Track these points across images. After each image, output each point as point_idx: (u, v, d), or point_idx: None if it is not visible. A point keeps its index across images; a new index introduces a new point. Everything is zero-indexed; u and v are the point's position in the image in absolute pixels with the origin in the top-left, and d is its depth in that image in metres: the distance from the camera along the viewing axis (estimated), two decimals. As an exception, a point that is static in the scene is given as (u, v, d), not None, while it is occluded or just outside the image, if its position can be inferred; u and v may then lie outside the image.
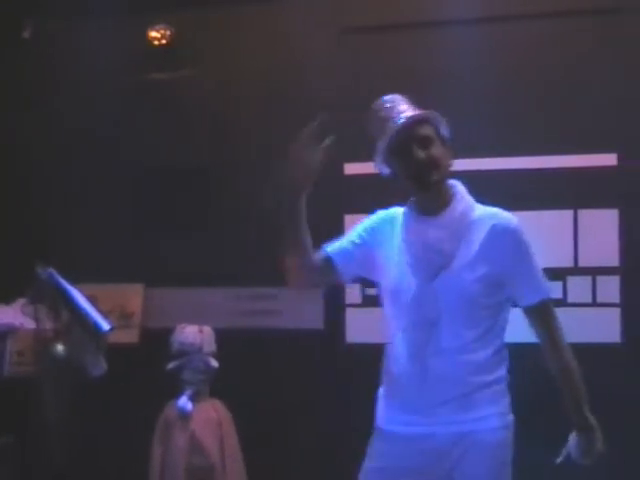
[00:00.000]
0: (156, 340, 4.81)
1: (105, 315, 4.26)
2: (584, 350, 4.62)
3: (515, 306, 3.06)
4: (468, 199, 3.02)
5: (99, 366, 4.19)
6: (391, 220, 3.08)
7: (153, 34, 5.11)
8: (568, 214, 4.82)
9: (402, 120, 2.93)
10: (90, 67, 5.22)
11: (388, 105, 3.02)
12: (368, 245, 3.05)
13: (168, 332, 4.71)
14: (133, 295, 5.30)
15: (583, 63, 4.81)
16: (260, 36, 5.21)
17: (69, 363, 4.17)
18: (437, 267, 2.88)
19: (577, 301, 4.78)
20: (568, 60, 4.83)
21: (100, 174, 5.28)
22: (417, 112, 2.99)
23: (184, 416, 4.54)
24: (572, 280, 4.79)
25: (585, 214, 4.80)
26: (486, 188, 4.77)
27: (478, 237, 2.92)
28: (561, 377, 3.08)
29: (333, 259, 3.04)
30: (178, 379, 4.62)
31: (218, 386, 4.71)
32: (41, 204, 5.36)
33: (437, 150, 2.94)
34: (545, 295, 3.04)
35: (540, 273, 3.03)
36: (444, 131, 3.02)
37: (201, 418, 4.56)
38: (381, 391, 3.07)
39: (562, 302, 4.78)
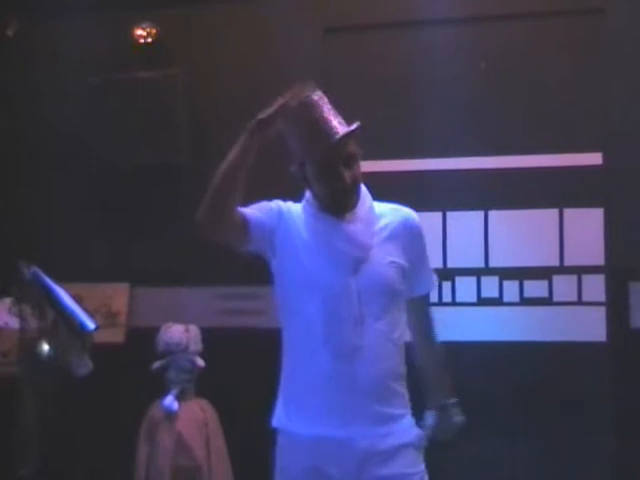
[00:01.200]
0: (142, 339, 4.80)
1: (91, 314, 4.23)
2: (569, 349, 4.71)
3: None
4: (369, 197, 3.04)
5: (84, 366, 4.16)
6: (291, 213, 3.05)
7: (138, 32, 5.09)
8: (553, 213, 4.84)
9: (336, 138, 2.86)
10: (75, 65, 5.20)
11: (316, 106, 2.95)
12: (274, 225, 3.00)
13: (154, 331, 4.69)
14: (119, 294, 5.29)
15: (569, 63, 4.82)
16: (245, 34, 5.20)
17: (54, 363, 4.14)
18: (358, 260, 2.90)
19: (563, 300, 4.80)
20: (554, 59, 4.84)
21: (85, 172, 5.26)
22: (347, 128, 2.91)
23: (170, 416, 4.53)
24: (557, 279, 4.81)
25: (571, 213, 4.81)
26: (473, 187, 4.86)
27: (386, 228, 2.98)
28: (433, 363, 3.14)
29: (249, 221, 2.98)
30: (164, 378, 4.60)
31: (204, 386, 4.70)
32: (25, 203, 5.34)
33: (358, 167, 2.95)
34: (433, 286, 3.21)
35: (431, 267, 3.18)
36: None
37: (187, 418, 4.55)
38: (287, 398, 3.02)
39: (548, 301, 4.81)
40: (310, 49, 5.05)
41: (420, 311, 3.15)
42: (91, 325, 4.08)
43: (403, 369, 2.97)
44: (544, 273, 4.81)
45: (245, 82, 5.16)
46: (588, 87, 4.80)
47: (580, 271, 4.78)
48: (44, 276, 4.04)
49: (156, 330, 4.69)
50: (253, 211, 3.02)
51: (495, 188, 4.90)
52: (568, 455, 4.66)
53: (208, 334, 4.73)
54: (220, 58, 5.21)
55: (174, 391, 4.57)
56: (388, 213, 3.03)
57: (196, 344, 4.65)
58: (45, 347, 4.13)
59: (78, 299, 4.32)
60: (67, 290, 4.14)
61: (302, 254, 2.95)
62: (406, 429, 2.94)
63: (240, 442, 4.70)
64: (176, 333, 4.62)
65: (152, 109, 5.03)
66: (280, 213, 3.04)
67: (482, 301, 4.88)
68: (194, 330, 4.67)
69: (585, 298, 4.77)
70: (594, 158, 4.78)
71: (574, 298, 4.78)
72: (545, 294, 4.82)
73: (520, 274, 4.83)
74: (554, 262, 4.82)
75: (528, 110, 4.88)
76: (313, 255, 2.93)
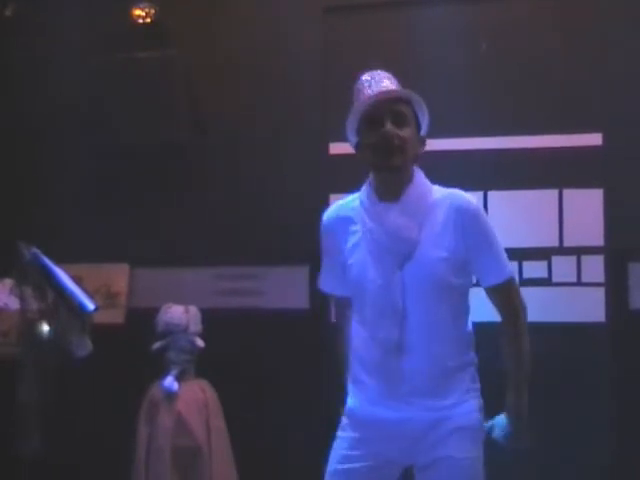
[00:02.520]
0: (142, 320, 4.80)
1: (90, 295, 4.24)
2: (569, 329, 4.71)
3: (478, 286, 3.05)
4: (425, 182, 2.99)
5: (84, 346, 4.17)
6: (334, 219, 3.07)
7: (137, 12, 5.07)
8: (553, 194, 4.83)
9: (382, 90, 2.91)
10: (73, 45, 5.17)
11: (372, 77, 2.99)
12: (341, 257, 3.04)
13: (154, 312, 4.70)
14: (118, 275, 5.29)
15: (569, 43, 4.81)
16: (245, 14, 5.19)
17: (54, 343, 4.15)
18: (402, 255, 2.86)
19: (562, 280, 4.80)
20: (554, 40, 4.82)
21: (84, 152, 5.24)
22: (399, 88, 2.98)
23: (170, 396, 4.54)
24: (557, 259, 4.81)
25: (570, 194, 4.81)
26: (471, 167, 4.86)
27: (438, 219, 2.89)
28: (513, 358, 2.98)
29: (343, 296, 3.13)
30: (164, 359, 4.61)
31: (204, 366, 4.71)
32: (25, 184, 5.33)
33: (408, 133, 2.90)
34: (508, 275, 2.98)
35: (502, 253, 2.98)
36: (423, 119, 2.99)
37: (187, 398, 4.56)
38: (352, 378, 3.05)
39: (547, 281, 4.81)
40: (309, 29, 5.04)
41: (498, 301, 3.01)
42: (91, 306, 4.08)
43: (464, 359, 2.94)
44: (543, 254, 4.81)
45: (244, 62, 5.16)
46: (588, 67, 4.78)
47: (579, 252, 4.78)
48: (44, 257, 4.05)
49: (156, 311, 4.70)
50: (334, 276, 3.13)
51: (494, 169, 4.89)
52: (567, 435, 4.67)
53: (208, 315, 4.74)
54: (219, 38, 5.20)
55: (174, 372, 4.57)
56: (445, 200, 2.93)
57: (196, 325, 4.65)
58: (45, 328, 4.14)
59: (78, 280, 4.33)
60: (67, 271, 4.14)
61: (354, 249, 2.97)
62: (464, 413, 2.90)
63: (240, 422, 4.72)
64: (176, 314, 4.63)
65: (151, 89, 5.00)
66: (332, 240, 3.08)
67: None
68: (194, 311, 4.67)
69: (584, 279, 4.77)
70: (594, 138, 4.77)
71: (573, 279, 4.79)
72: (544, 275, 4.81)
73: (519, 255, 4.82)
74: (553, 243, 4.82)
75: (527, 90, 4.87)
76: (361, 249, 2.94)
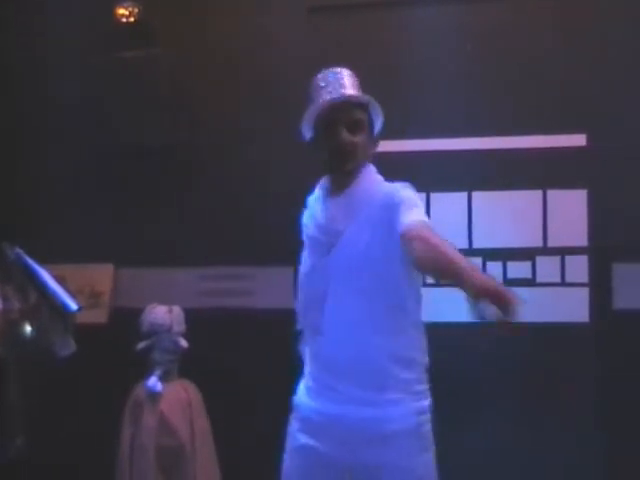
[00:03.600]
0: (126, 320, 4.79)
1: (74, 295, 4.23)
2: (553, 329, 4.72)
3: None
4: (371, 178, 3.03)
5: (67, 346, 4.16)
6: (308, 206, 3.19)
7: (121, 11, 5.05)
8: (537, 194, 4.84)
9: (343, 95, 2.98)
10: (57, 44, 5.15)
11: (334, 76, 3.05)
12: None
13: (138, 312, 4.68)
14: (102, 275, 5.27)
15: (553, 44, 4.82)
16: (229, 14, 5.18)
17: (37, 343, 4.14)
18: (328, 245, 2.95)
19: (546, 281, 4.81)
20: (539, 41, 4.83)
21: (68, 153, 5.23)
22: (359, 94, 3.03)
23: (153, 396, 4.53)
24: (541, 260, 4.81)
25: (554, 194, 4.82)
26: (457, 168, 4.86)
27: (370, 211, 2.93)
28: (444, 262, 2.63)
29: None
30: (147, 359, 4.60)
31: (188, 366, 4.70)
32: (8, 183, 5.30)
33: (361, 138, 2.98)
34: (418, 218, 2.78)
35: (415, 211, 2.81)
36: (377, 121, 3.06)
37: (171, 398, 4.55)
38: (304, 371, 3.12)
39: (531, 282, 4.81)
40: (294, 29, 5.03)
41: (412, 242, 2.72)
42: (74, 306, 4.08)
43: (405, 356, 2.92)
44: (527, 254, 4.82)
45: (228, 61, 5.15)
46: (572, 68, 4.79)
47: (563, 252, 4.79)
48: (27, 257, 4.04)
49: (140, 311, 4.68)
50: None
51: (479, 169, 4.89)
52: (551, 436, 4.68)
53: (193, 315, 4.73)
54: (203, 37, 5.19)
55: (158, 372, 4.56)
56: (380, 192, 2.95)
57: (180, 325, 4.65)
58: (28, 328, 4.12)
59: (62, 280, 4.32)
60: (50, 271, 4.13)
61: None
62: (403, 415, 2.88)
63: (224, 422, 4.71)
64: (160, 314, 4.62)
65: (135, 89, 4.99)
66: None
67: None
68: (177, 311, 4.66)
69: (568, 279, 4.78)
70: (578, 139, 4.78)
71: (557, 279, 4.80)
72: (528, 275, 4.82)
73: (503, 255, 4.83)
74: (537, 243, 4.83)
75: (512, 91, 4.87)
76: (306, 240, 3.10)
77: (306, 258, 3.07)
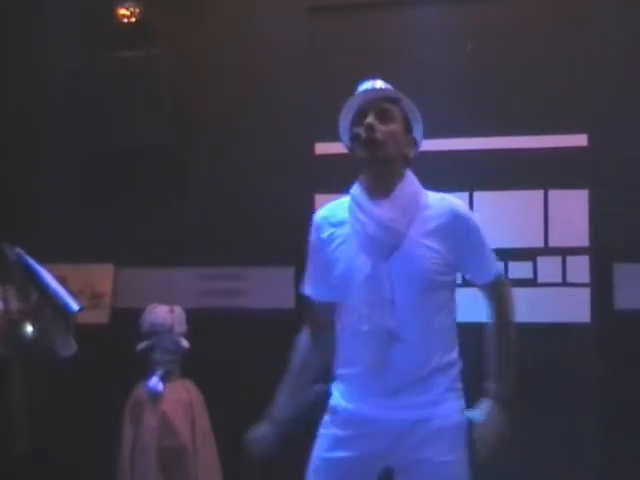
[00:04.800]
0: (126, 320, 4.79)
1: (75, 295, 4.23)
2: (554, 330, 4.72)
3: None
4: (416, 183, 3.06)
5: (69, 347, 4.16)
6: (324, 219, 3.11)
7: (122, 11, 5.05)
8: (539, 194, 4.84)
9: (370, 88, 3.02)
10: (58, 45, 5.15)
11: (368, 82, 3.09)
12: (327, 258, 3.07)
13: (138, 312, 4.68)
14: (103, 275, 5.27)
15: (555, 44, 4.82)
16: (229, 13, 5.17)
17: (38, 344, 4.14)
18: (390, 246, 2.90)
19: (547, 281, 4.80)
20: (540, 41, 4.83)
21: (69, 152, 5.23)
22: (387, 88, 3.06)
23: (155, 397, 4.53)
24: (542, 260, 4.81)
25: (556, 194, 4.82)
26: (458, 168, 4.86)
27: (430, 219, 2.95)
28: (500, 348, 3.08)
29: (325, 305, 3.15)
30: (148, 359, 4.60)
31: (189, 366, 4.70)
32: (9, 184, 5.30)
33: (392, 128, 2.97)
34: (497, 272, 3.15)
35: (492, 254, 3.13)
36: (414, 120, 3.07)
37: (172, 399, 4.55)
38: (338, 375, 3.08)
39: (532, 282, 4.81)
40: (294, 29, 5.03)
41: (489, 298, 3.15)
42: (75, 306, 4.08)
43: (447, 357, 2.97)
44: (529, 254, 4.82)
45: (228, 62, 5.14)
46: (574, 68, 4.79)
47: (565, 252, 4.79)
48: (28, 257, 4.03)
49: (141, 311, 4.68)
50: (315, 281, 3.17)
51: (480, 169, 4.89)
52: (553, 435, 4.68)
53: (193, 315, 4.73)
54: (204, 38, 5.18)
55: (159, 372, 4.56)
56: (436, 204, 3.01)
57: (181, 325, 4.64)
58: (29, 328, 4.12)
59: (62, 280, 4.32)
60: (51, 271, 4.13)
61: (341, 245, 3.01)
62: (445, 415, 2.94)
63: (225, 423, 4.70)
64: (161, 314, 4.62)
65: (135, 89, 4.98)
66: (318, 239, 3.11)
67: (466, 282, 4.87)
68: (179, 311, 4.66)
69: (570, 279, 4.78)
70: (580, 139, 4.78)
71: (559, 279, 4.79)
72: (530, 275, 4.82)
73: (505, 255, 4.82)
74: (539, 243, 4.83)
75: (513, 91, 4.87)
76: (348, 243, 2.98)
77: (357, 256, 2.95)
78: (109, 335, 5.02)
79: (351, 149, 3.05)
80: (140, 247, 5.15)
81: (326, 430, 3.06)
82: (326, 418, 3.08)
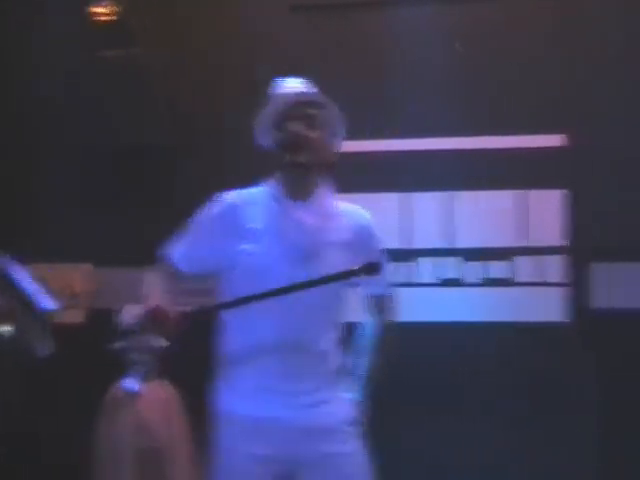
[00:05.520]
0: (104, 320, 4.76)
1: (53, 295, 4.21)
2: (532, 329, 4.74)
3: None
4: (332, 190, 3.05)
5: (46, 346, 4.14)
6: (236, 205, 3.03)
7: (100, 10, 5.03)
8: (517, 194, 4.85)
9: (295, 92, 2.99)
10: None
11: (288, 83, 3.06)
12: (212, 236, 3.02)
13: (117, 312, 4.66)
14: (81, 275, 5.25)
15: (532, 45, 4.84)
16: (210, 12, 5.15)
17: (15, 343, 4.12)
18: (308, 250, 2.89)
19: (525, 280, 4.82)
20: (518, 42, 4.86)
21: (48, 153, 5.20)
22: (312, 92, 3.03)
23: (131, 397, 4.50)
24: (520, 259, 4.83)
25: (534, 194, 4.84)
26: (437, 168, 4.87)
27: (342, 227, 2.97)
28: (368, 359, 3.11)
29: (178, 267, 3.13)
30: (126, 359, 4.57)
31: (167, 366, 4.68)
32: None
33: (316, 134, 2.94)
34: (388, 287, 3.16)
35: (387, 268, 3.06)
36: (336, 123, 3.02)
37: (149, 399, 4.52)
38: (231, 375, 3.06)
39: (510, 281, 4.83)
40: (276, 27, 5.02)
41: (372, 309, 3.17)
42: (52, 306, 4.05)
43: (341, 359, 3.02)
44: (507, 254, 4.84)
45: (211, 61, 5.13)
46: (552, 69, 4.80)
47: (543, 252, 4.81)
48: (5, 256, 4.01)
49: (119, 311, 4.66)
50: (185, 249, 3.12)
51: (460, 169, 4.90)
52: (531, 433, 4.70)
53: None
54: (184, 36, 5.16)
55: (136, 372, 4.54)
56: (346, 212, 3.03)
57: (159, 325, 4.62)
58: (6, 328, 4.10)
59: (40, 280, 4.29)
60: (29, 270, 4.11)
61: (255, 240, 2.94)
62: (344, 407, 3.00)
63: (203, 423, 4.69)
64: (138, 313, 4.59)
65: (116, 88, 4.97)
66: (217, 218, 3.04)
67: (446, 282, 4.90)
68: (156, 311, 4.63)
69: (547, 279, 4.80)
70: (558, 140, 4.80)
71: (536, 279, 4.82)
72: (508, 275, 4.84)
73: (483, 255, 4.85)
74: (517, 243, 4.84)
75: (493, 91, 4.89)
76: (264, 240, 2.93)
77: (274, 258, 2.90)
78: (87, 335, 5.00)
79: (271, 149, 3.02)
80: (118, 247, 5.12)
81: (224, 430, 3.05)
82: (221, 417, 3.07)
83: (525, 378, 4.73)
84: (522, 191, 4.85)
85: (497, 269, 4.82)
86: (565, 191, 4.79)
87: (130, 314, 4.61)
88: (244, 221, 2.98)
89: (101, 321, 4.86)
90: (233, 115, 5.04)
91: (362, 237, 3.01)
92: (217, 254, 3.02)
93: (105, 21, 5.04)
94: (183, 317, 2.92)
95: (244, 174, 4.88)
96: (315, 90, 3.05)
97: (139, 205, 5.18)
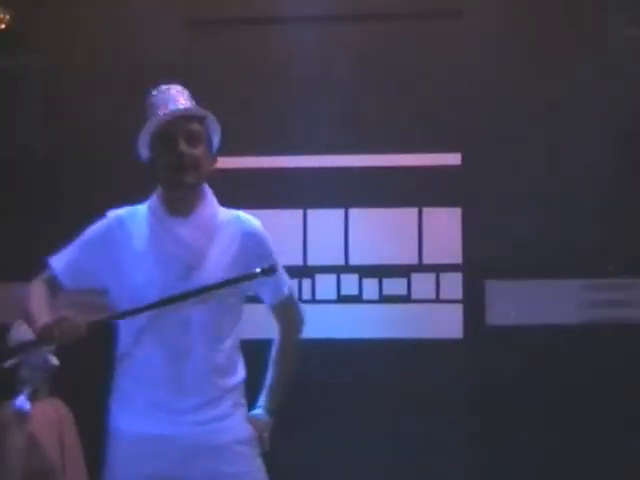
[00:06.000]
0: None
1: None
2: (427, 345, 4.78)
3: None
4: (214, 200, 3.02)
5: None
6: (123, 221, 2.98)
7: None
8: (413, 212, 4.90)
9: (178, 108, 2.91)
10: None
11: (167, 92, 2.98)
12: (98, 252, 2.96)
13: (6, 328, 4.54)
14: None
15: (430, 63, 4.90)
16: (104, 22, 5.07)
17: None
18: (189, 265, 2.87)
19: (421, 297, 4.87)
20: (416, 60, 4.91)
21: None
22: (195, 106, 2.97)
23: (22, 416, 4.38)
24: (416, 277, 4.87)
25: (430, 212, 4.89)
26: (332, 185, 4.88)
27: (227, 239, 2.94)
28: (283, 365, 3.10)
29: (60, 280, 3.03)
30: (16, 377, 4.46)
31: (59, 384, 4.58)
32: None
33: (201, 151, 2.91)
34: (289, 292, 3.11)
35: (283, 272, 3.08)
36: (214, 136, 3.00)
37: (40, 418, 4.41)
38: (121, 393, 3.00)
39: (406, 298, 4.87)
40: (170, 41, 4.97)
41: (277, 317, 3.13)
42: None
43: (237, 377, 2.96)
44: (403, 271, 4.87)
45: (101, 74, 5.05)
46: (449, 87, 4.87)
47: (438, 269, 4.87)
48: None
49: (8, 327, 4.55)
50: (68, 258, 3.02)
51: (356, 186, 4.93)
52: (424, 450, 4.74)
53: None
54: (78, 46, 5.07)
55: (26, 390, 4.43)
56: (232, 221, 2.99)
57: (50, 342, 4.52)
58: None
59: None
60: None
61: (137, 257, 2.90)
62: (234, 428, 2.92)
63: (95, 442, 4.60)
64: (29, 330, 4.48)
65: (6, 97, 4.86)
66: (101, 234, 2.99)
67: (342, 298, 4.91)
68: (48, 327, 4.54)
69: (443, 296, 4.86)
70: (454, 158, 4.87)
71: (432, 296, 4.87)
72: (404, 292, 4.88)
73: (379, 272, 4.87)
74: (413, 260, 4.89)
75: (390, 109, 4.93)
76: (145, 257, 2.89)
77: (154, 272, 2.86)
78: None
79: (152, 168, 2.97)
80: (9, 261, 5.00)
81: (114, 448, 2.99)
82: (112, 435, 3.00)
83: (419, 393, 4.76)
84: (418, 209, 4.88)
85: (394, 286, 4.85)
86: (460, 209, 4.84)
87: (20, 330, 4.50)
88: (127, 239, 2.93)
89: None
90: (119, 129, 5.00)
91: (249, 244, 2.96)
92: (101, 271, 2.96)
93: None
94: (87, 328, 2.81)
95: (126, 188, 4.94)
96: (193, 102, 2.98)
97: (29, 216, 5.06)
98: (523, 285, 4.78)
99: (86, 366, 4.68)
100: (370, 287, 4.87)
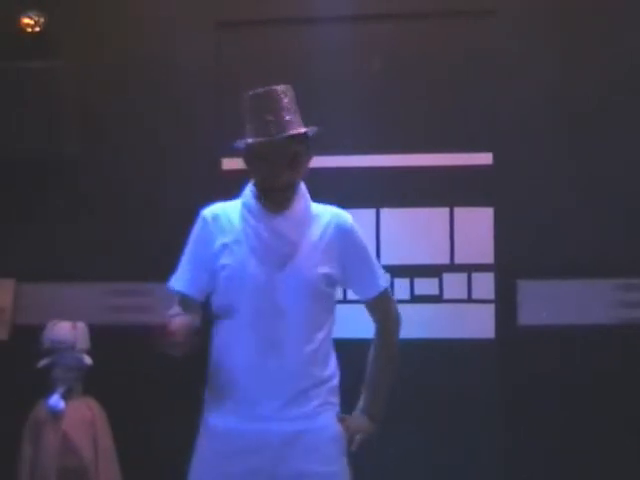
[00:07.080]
0: (27, 337, 4.67)
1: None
2: (459, 345, 4.77)
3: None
4: (307, 197, 3.08)
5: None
6: (217, 216, 3.08)
7: (26, 21, 4.97)
8: (445, 212, 4.88)
9: (283, 130, 2.93)
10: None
11: (270, 102, 3.00)
12: (208, 257, 3.03)
13: (40, 329, 4.58)
14: (4, 290, 5.14)
15: (461, 62, 4.88)
16: (134, 28, 5.08)
17: None
18: (284, 255, 2.92)
19: (453, 297, 4.85)
20: (447, 59, 4.90)
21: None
22: (299, 128, 2.99)
23: (55, 415, 4.43)
24: (448, 277, 4.86)
25: (461, 212, 4.87)
26: (364, 185, 4.88)
27: (318, 231, 3.00)
28: (383, 363, 3.18)
29: (191, 296, 3.09)
30: (50, 377, 4.50)
31: (92, 384, 4.61)
32: None
33: (297, 169, 2.97)
34: (384, 286, 3.17)
35: (378, 267, 3.16)
36: (311, 141, 3.05)
37: (73, 417, 4.46)
38: (215, 388, 3.04)
39: (438, 298, 4.85)
40: (200, 43, 4.99)
41: (373, 314, 3.20)
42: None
43: (326, 369, 2.98)
44: (435, 271, 4.86)
45: (134, 76, 5.08)
46: (479, 87, 4.85)
47: (470, 269, 4.85)
48: None
49: (42, 327, 4.58)
50: (190, 277, 3.09)
51: (387, 186, 4.92)
52: (458, 451, 4.72)
53: (96, 331, 4.64)
54: (109, 50, 5.10)
55: (60, 390, 4.47)
56: (323, 215, 3.05)
57: (83, 342, 4.56)
58: None
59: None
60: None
61: (232, 247, 2.97)
62: (322, 427, 2.95)
63: (128, 441, 4.63)
64: (62, 330, 4.53)
65: (38, 100, 4.89)
66: (204, 237, 3.07)
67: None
68: (82, 327, 4.58)
69: (474, 296, 4.84)
70: (485, 158, 4.85)
71: (464, 296, 4.85)
72: (435, 292, 4.86)
73: (411, 272, 4.86)
74: (445, 260, 4.87)
75: (421, 109, 4.92)
76: (241, 247, 2.95)
77: (250, 263, 2.92)
78: (9, 352, 4.90)
79: (248, 163, 3.04)
80: (42, 262, 5.04)
81: (204, 444, 3.02)
82: (202, 431, 3.04)
83: (452, 393, 4.75)
84: (450, 209, 4.87)
85: (425, 286, 4.84)
86: (492, 209, 4.83)
87: (54, 330, 4.54)
88: (221, 232, 3.02)
89: (25, 338, 4.76)
90: (150, 129, 5.03)
91: (340, 235, 3.02)
92: (207, 269, 3.03)
93: (20, 32, 4.98)
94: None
95: (156, 189, 4.97)
96: (294, 106, 3.04)
97: (62, 220, 5.09)
98: (555, 285, 4.75)
99: (119, 367, 4.74)
100: (402, 287, 4.86)
